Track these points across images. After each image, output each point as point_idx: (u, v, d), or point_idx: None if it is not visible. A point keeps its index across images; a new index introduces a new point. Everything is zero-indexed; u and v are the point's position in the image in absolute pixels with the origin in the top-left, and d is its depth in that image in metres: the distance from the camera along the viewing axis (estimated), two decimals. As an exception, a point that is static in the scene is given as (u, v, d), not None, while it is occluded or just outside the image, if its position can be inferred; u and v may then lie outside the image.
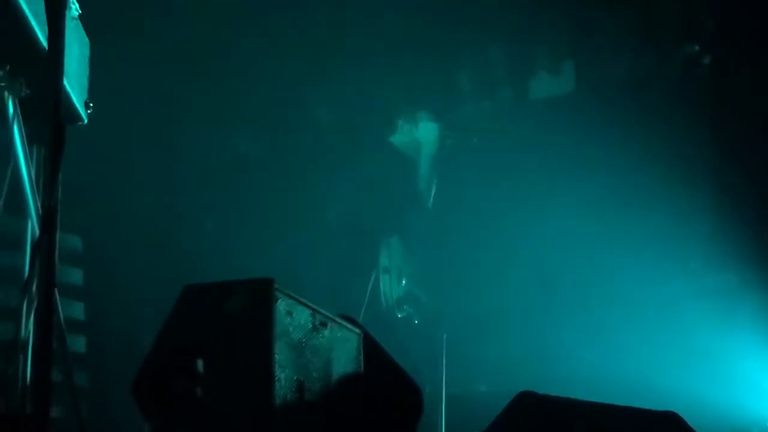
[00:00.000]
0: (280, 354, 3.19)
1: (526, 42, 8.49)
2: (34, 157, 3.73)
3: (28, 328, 3.60)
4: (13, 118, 3.53)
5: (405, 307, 6.95)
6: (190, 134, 7.91)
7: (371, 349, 4.01)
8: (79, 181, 6.49)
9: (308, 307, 3.48)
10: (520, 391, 4.35)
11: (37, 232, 3.50)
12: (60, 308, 3.37)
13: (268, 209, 7.81)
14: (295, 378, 3.28)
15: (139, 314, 7.37)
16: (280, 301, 3.24)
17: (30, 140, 3.68)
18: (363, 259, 6.98)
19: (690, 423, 3.76)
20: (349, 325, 3.89)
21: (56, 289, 3.05)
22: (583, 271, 7.42)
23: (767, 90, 7.27)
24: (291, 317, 3.32)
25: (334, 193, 7.45)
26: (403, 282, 6.99)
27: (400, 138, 7.51)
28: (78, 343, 7.05)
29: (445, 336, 6.44)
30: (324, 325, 3.59)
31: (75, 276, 7.20)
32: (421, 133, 7.43)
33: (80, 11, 3.71)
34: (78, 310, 7.14)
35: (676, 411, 3.81)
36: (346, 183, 7.35)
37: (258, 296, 3.19)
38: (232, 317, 3.17)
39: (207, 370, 3.14)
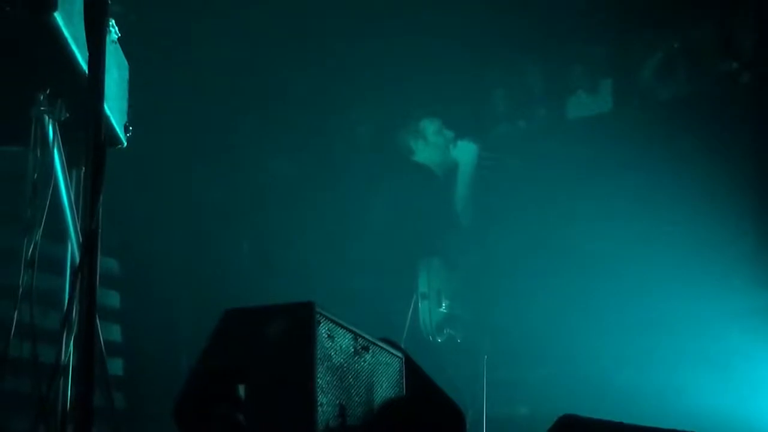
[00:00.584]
0: (322, 378, 3.17)
1: (563, 60, 8.47)
2: (74, 180, 3.73)
3: (68, 352, 3.59)
4: (53, 142, 3.52)
5: (446, 330, 6.91)
6: (228, 155, 7.93)
7: (413, 373, 3.98)
8: (115, 203, 6.53)
9: (350, 330, 3.45)
10: (560, 414, 4.31)
11: (77, 256, 3.49)
12: (100, 332, 3.37)
13: (305, 232, 7.80)
14: (337, 402, 3.26)
15: (176, 337, 7.38)
16: (321, 324, 3.21)
17: (70, 164, 3.68)
18: (403, 282, 6.94)
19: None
20: (391, 349, 3.86)
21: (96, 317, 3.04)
22: (625, 292, 7.35)
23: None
24: (332, 341, 3.30)
25: (373, 214, 7.43)
26: (443, 305, 6.94)
27: (435, 156, 7.47)
28: (115, 366, 7.07)
29: (486, 357, 6.39)
30: (366, 349, 3.56)
31: (112, 299, 7.23)
32: (459, 153, 7.39)
33: (119, 34, 3.71)
34: (115, 333, 7.17)
35: None
36: (384, 203, 7.33)
37: (299, 320, 3.17)
38: (273, 341, 3.15)
39: (248, 395, 3.12)
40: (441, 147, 7.48)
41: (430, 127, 7.45)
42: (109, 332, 7.09)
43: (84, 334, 2.84)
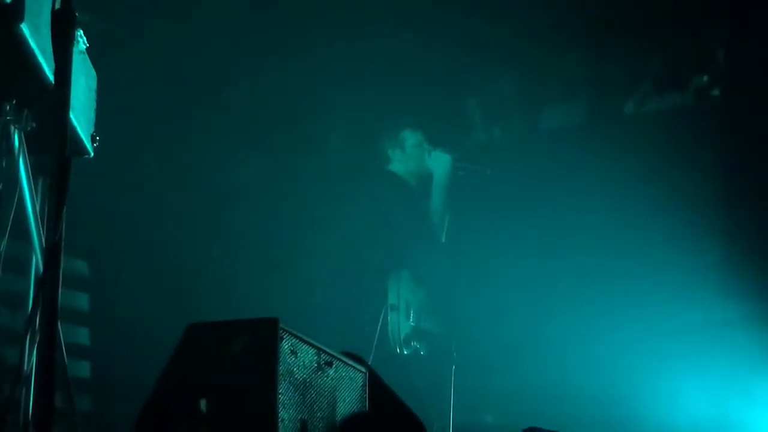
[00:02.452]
0: (284, 394, 3.17)
1: (539, 71, 8.49)
2: (39, 189, 3.72)
3: (32, 361, 3.59)
4: (19, 152, 3.51)
5: (413, 343, 6.91)
6: (200, 159, 7.90)
7: (377, 387, 3.98)
8: (85, 206, 6.51)
9: (313, 346, 3.45)
10: (525, 424, 4.33)
11: (41, 266, 3.48)
12: (63, 342, 3.36)
13: (275, 240, 7.78)
14: (299, 418, 3.25)
15: (145, 340, 7.35)
16: (284, 340, 3.21)
17: (36, 173, 3.66)
18: (374, 294, 6.94)
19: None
20: (354, 364, 3.86)
21: (59, 325, 3.03)
22: (592, 303, 7.38)
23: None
24: (296, 356, 3.30)
25: (344, 224, 7.42)
26: (411, 317, 6.94)
27: (411, 166, 7.45)
28: (83, 369, 7.04)
29: (453, 368, 6.40)
30: (329, 364, 3.56)
31: (81, 301, 7.19)
32: (434, 164, 7.37)
33: (87, 44, 3.69)
34: (83, 336, 7.13)
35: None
36: (355, 213, 7.32)
37: (262, 336, 3.17)
38: (235, 357, 3.15)
39: (210, 410, 3.12)
40: (417, 158, 7.46)
41: (410, 138, 7.43)
42: (76, 335, 7.06)
43: (45, 345, 2.83)
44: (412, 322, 6.92)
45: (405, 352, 6.84)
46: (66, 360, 3.45)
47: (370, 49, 7.93)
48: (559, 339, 7.34)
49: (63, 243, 2.94)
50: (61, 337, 3.26)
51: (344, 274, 7.04)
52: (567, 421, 6.79)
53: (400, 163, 7.45)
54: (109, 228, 7.26)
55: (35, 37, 3.14)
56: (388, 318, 6.82)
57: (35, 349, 3.46)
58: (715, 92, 7.71)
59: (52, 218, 2.92)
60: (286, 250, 7.71)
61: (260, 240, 7.76)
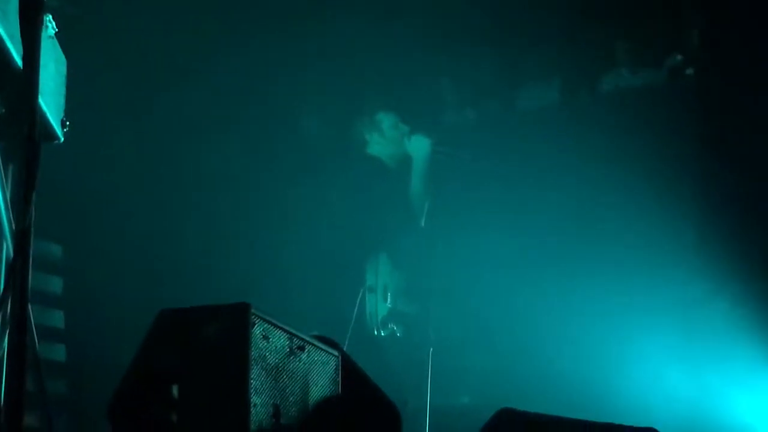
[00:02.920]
0: (256, 379, 3.18)
1: (514, 51, 8.47)
2: (10, 175, 3.70)
3: (2, 346, 3.58)
4: (-12, 138, 3.50)
5: (390, 325, 6.93)
6: (174, 146, 7.88)
7: (350, 370, 3.99)
8: (59, 189, 6.49)
9: (285, 331, 3.46)
10: (501, 404, 4.33)
11: (12, 252, 3.47)
12: (34, 326, 3.35)
13: (252, 223, 7.77)
14: (271, 403, 3.26)
15: (119, 323, 7.33)
16: (256, 325, 3.22)
17: (6, 159, 3.64)
18: (353, 276, 6.95)
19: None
20: (327, 348, 3.86)
21: (30, 310, 3.03)
22: (568, 284, 7.41)
23: (751, 100, 7.28)
24: (268, 342, 3.30)
25: (321, 207, 7.41)
26: (389, 300, 6.95)
27: (389, 149, 7.42)
28: (58, 352, 7.03)
29: (431, 350, 6.42)
30: (302, 348, 3.57)
31: (55, 284, 7.17)
32: (412, 147, 7.34)
33: (57, 29, 3.67)
34: (58, 319, 7.12)
35: (655, 425, 3.81)
36: (332, 197, 7.31)
37: (234, 321, 3.17)
38: (207, 342, 3.15)
39: (182, 396, 3.12)
40: (395, 140, 7.43)
41: (386, 120, 7.40)
42: (51, 318, 7.05)
43: (16, 331, 2.83)
44: (389, 304, 6.93)
45: (382, 334, 6.85)
46: (37, 344, 3.44)
47: (344, 31, 7.90)
48: (536, 320, 7.36)
49: (33, 229, 2.93)
50: (32, 322, 3.26)
51: (323, 257, 7.04)
52: (543, 400, 6.81)
53: (378, 146, 7.43)
54: (84, 212, 7.23)
55: (3, 23, 3.13)
56: (366, 300, 6.83)
57: (6, 335, 3.46)
58: (689, 71, 7.72)
59: (21, 204, 2.91)
60: (263, 234, 7.71)
61: (236, 224, 7.75)
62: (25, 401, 2.74)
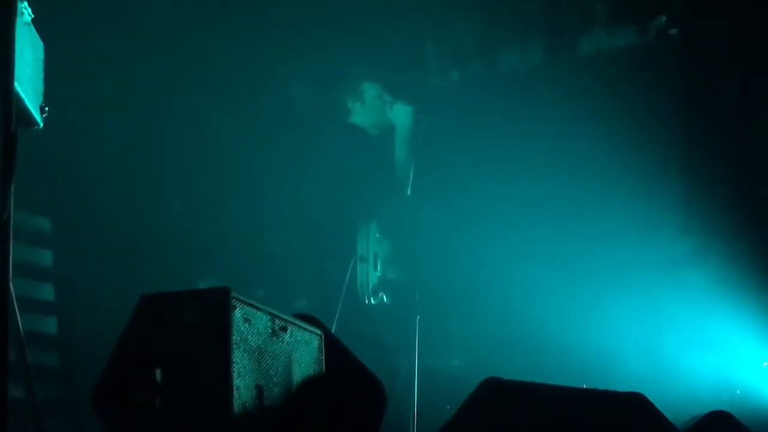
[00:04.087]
0: (239, 362, 3.20)
1: (496, 14, 8.44)
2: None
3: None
4: (-34, 127, 3.48)
5: (380, 294, 6.95)
6: (159, 117, 7.87)
7: (332, 348, 4.02)
8: (47, 164, 6.49)
9: (267, 312, 3.48)
10: (489, 367, 4.35)
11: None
12: (19, 318, 3.37)
13: (241, 195, 7.77)
14: (254, 385, 3.29)
15: (108, 295, 7.36)
16: (237, 309, 3.24)
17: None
18: (345, 245, 6.97)
19: (659, 399, 3.79)
20: (310, 327, 3.89)
21: (14, 299, 3.05)
22: (555, 246, 7.43)
23: (734, 61, 7.28)
24: (249, 324, 3.33)
25: (312, 177, 7.40)
26: (379, 268, 6.97)
27: (369, 118, 7.39)
28: (49, 324, 7.05)
29: (417, 318, 6.45)
30: (284, 329, 3.60)
31: (45, 257, 7.18)
32: (395, 116, 7.30)
33: (33, 15, 3.65)
34: (48, 292, 7.13)
35: (644, 389, 3.83)
36: (321, 166, 7.29)
37: (215, 305, 3.19)
38: (189, 327, 3.17)
39: (165, 380, 3.15)
40: (378, 109, 7.39)
41: (370, 89, 7.35)
42: (41, 291, 7.07)
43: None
44: (379, 272, 6.95)
45: (373, 302, 6.87)
46: (22, 332, 3.45)
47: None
48: (524, 283, 7.39)
49: (12, 221, 2.94)
50: (17, 312, 3.28)
51: (313, 227, 7.05)
52: (531, 363, 6.90)
53: (360, 115, 7.39)
54: (72, 184, 7.23)
55: (-23, 13, 3.11)
56: (357, 269, 6.84)
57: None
58: (673, 31, 7.70)
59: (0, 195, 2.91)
60: (252, 205, 7.71)
61: (223, 196, 7.74)
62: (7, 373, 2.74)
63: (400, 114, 7.26)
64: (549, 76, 8.10)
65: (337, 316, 6.20)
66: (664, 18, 7.69)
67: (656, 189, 7.39)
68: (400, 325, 6.82)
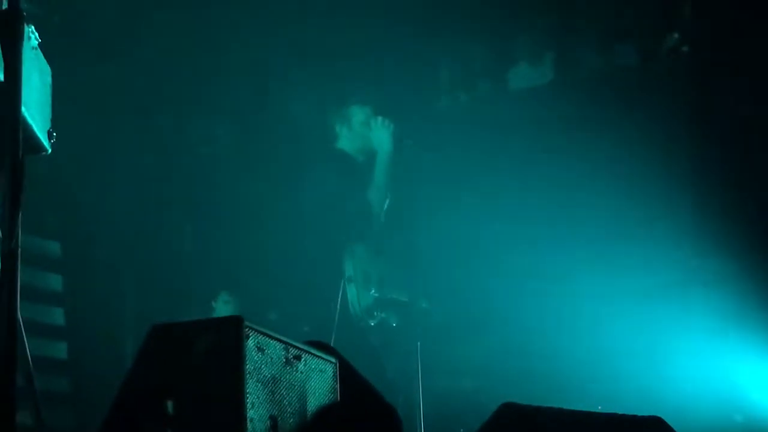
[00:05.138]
0: (252, 393, 3.14)
1: (507, 32, 8.43)
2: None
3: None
4: (-28, 152, 3.44)
5: (376, 313, 6.86)
6: (168, 134, 7.87)
7: (345, 374, 3.96)
8: (56, 185, 6.48)
9: (280, 341, 3.42)
10: (503, 388, 4.29)
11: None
12: (28, 350, 3.32)
13: (254, 211, 7.75)
14: (268, 416, 3.23)
15: (121, 318, 7.35)
16: (250, 338, 3.18)
17: (-8, 169, 3.58)
18: (334, 268, 6.91)
19: (676, 421, 3.73)
20: (324, 354, 3.82)
21: (23, 332, 3.00)
22: (567, 265, 7.39)
23: (746, 75, 7.25)
24: (262, 353, 3.27)
25: (295, 200, 7.36)
26: (372, 289, 6.88)
27: (355, 144, 7.30)
28: (59, 349, 7.03)
29: (419, 344, 6.38)
30: (298, 358, 3.54)
31: (54, 282, 7.17)
32: (376, 141, 7.19)
33: (39, 40, 3.62)
34: (58, 316, 7.11)
35: (661, 411, 3.78)
36: (308, 189, 7.23)
37: (227, 335, 3.13)
38: (201, 357, 3.12)
39: (177, 411, 3.09)
40: (364, 135, 7.30)
41: (358, 114, 7.27)
42: (51, 316, 7.05)
43: (5, 358, 2.78)
44: (375, 293, 6.86)
45: (371, 324, 6.79)
46: (33, 374, 3.39)
47: (328, 19, 7.86)
48: (534, 299, 7.36)
49: (20, 249, 2.89)
50: (26, 344, 3.23)
51: (303, 252, 6.99)
52: (544, 385, 6.83)
53: (347, 140, 7.31)
54: (80, 207, 7.24)
55: (-18, 38, 3.07)
56: (347, 291, 6.77)
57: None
58: (684, 48, 7.69)
59: (6, 226, 2.86)
60: (261, 224, 7.69)
61: (234, 216, 7.72)
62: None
63: (382, 139, 7.13)
64: (558, 94, 8.08)
65: (332, 340, 6.11)
66: (676, 35, 7.67)
67: (668, 211, 7.36)
68: (403, 348, 6.76)
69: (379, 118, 7.00)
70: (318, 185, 7.02)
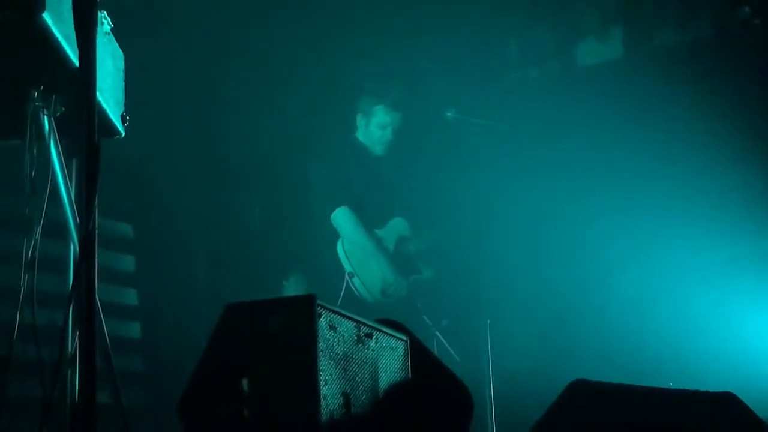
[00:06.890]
0: (325, 370, 3.18)
1: (574, 6, 8.37)
2: (74, 172, 3.71)
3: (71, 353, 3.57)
4: (49, 137, 3.51)
5: (391, 290, 7.02)
6: (239, 116, 7.93)
7: (418, 353, 3.98)
8: (128, 167, 6.57)
9: (352, 319, 3.46)
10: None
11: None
12: (106, 330, 3.37)
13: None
14: (341, 393, 3.27)
15: (193, 299, 7.42)
16: (322, 317, 3.22)
17: (68, 155, 3.66)
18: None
19: (749, 397, 3.71)
20: (395, 333, 3.86)
21: (101, 313, 3.05)
22: (636, 240, 7.35)
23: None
24: (335, 332, 3.30)
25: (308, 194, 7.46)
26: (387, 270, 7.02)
27: (373, 136, 7.44)
28: (133, 329, 7.12)
29: (488, 321, 6.39)
30: (369, 336, 3.57)
31: (127, 263, 7.26)
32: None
33: (112, 25, 3.68)
34: (131, 297, 7.21)
35: (734, 387, 3.76)
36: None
37: (300, 314, 3.17)
38: (275, 336, 3.16)
39: (252, 390, 3.13)
40: (380, 129, 7.39)
41: (380, 115, 7.38)
42: (125, 296, 7.15)
43: (84, 341, 2.81)
44: (390, 276, 7.03)
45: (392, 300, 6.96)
46: (109, 347, 3.44)
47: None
48: (601, 275, 7.33)
49: (97, 233, 2.93)
50: (104, 324, 3.28)
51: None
52: (617, 362, 6.80)
53: (363, 133, 7.45)
54: (153, 189, 7.32)
55: (58, 25, 3.13)
56: (352, 286, 6.93)
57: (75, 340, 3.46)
58: (756, 22, 7.58)
59: (83, 209, 2.90)
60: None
61: (303, 197, 7.76)
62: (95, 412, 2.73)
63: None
64: (627, 70, 8.01)
65: None
66: (747, 8, 7.56)
67: (741, 182, 7.27)
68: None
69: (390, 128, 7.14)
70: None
